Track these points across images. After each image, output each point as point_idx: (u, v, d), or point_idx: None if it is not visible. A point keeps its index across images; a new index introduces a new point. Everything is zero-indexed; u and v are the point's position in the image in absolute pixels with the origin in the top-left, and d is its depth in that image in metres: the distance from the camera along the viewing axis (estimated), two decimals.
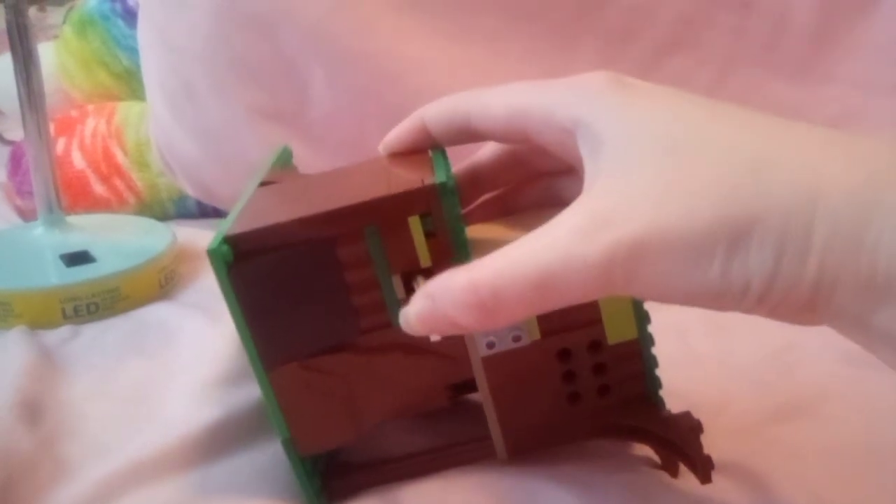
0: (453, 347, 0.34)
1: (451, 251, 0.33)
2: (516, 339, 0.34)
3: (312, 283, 0.33)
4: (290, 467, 0.35)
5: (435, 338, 0.34)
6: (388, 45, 0.63)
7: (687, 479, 0.36)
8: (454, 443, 0.38)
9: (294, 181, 0.40)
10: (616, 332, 0.35)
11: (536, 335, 0.35)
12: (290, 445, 0.34)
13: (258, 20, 0.63)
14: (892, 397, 0.41)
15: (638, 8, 0.66)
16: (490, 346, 0.34)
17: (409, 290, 0.33)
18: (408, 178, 0.33)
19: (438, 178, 0.32)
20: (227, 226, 0.32)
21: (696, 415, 0.35)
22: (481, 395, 0.36)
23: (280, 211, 0.33)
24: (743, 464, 0.36)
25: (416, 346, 0.34)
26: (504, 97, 0.32)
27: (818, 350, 0.46)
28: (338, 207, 0.32)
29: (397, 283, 0.33)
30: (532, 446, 0.37)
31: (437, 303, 0.27)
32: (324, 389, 0.34)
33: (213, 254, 0.31)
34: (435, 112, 0.35)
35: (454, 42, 0.64)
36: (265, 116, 0.66)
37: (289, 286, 0.32)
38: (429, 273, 0.33)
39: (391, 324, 0.33)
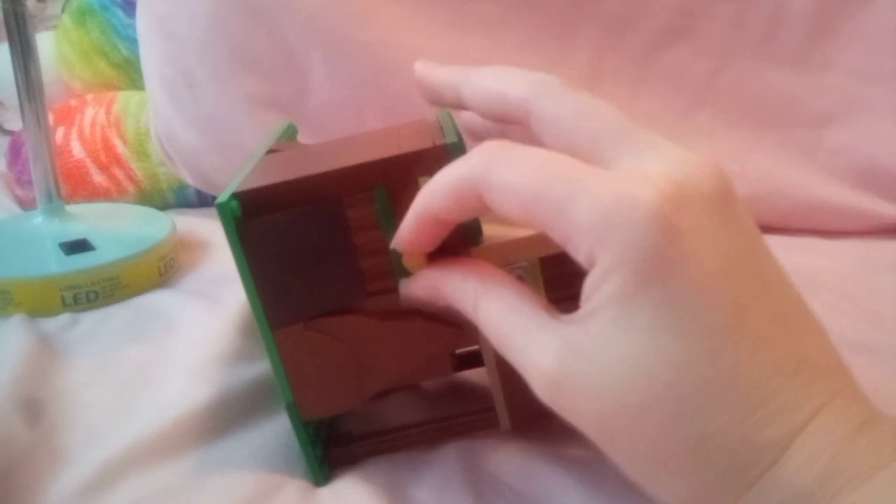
0: (459, 314, 0.34)
1: None
2: None
3: (320, 244, 0.33)
4: (289, 444, 0.35)
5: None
6: (387, 34, 0.63)
7: None
8: (457, 414, 0.38)
9: (303, 147, 0.40)
10: None
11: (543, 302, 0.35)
12: (294, 409, 0.35)
13: (258, 9, 0.63)
14: (892, 386, 0.41)
15: None
16: None
17: None
18: (418, 140, 0.33)
19: (449, 139, 0.32)
20: (237, 183, 0.33)
21: None
22: (486, 363, 0.35)
23: (290, 170, 0.33)
24: None
25: (423, 313, 0.34)
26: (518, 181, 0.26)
27: None
28: (347, 166, 0.32)
29: None
30: (535, 417, 0.37)
31: (433, 293, 0.31)
32: (329, 352, 0.34)
33: (221, 208, 0.31)
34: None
35: (453, 31, 0.64)
36: (264, 105, 0.66)
37: (297, 245, 0.33)
38: None
39: (398, 288, 0.34)
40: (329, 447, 0.37)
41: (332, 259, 0.33)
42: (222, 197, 0.31)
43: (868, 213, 0.64)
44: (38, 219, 0.61)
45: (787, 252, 0.59)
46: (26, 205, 0.76)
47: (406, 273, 0.32)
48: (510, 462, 0.36)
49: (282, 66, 0.65)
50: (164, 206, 0.75)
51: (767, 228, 0.63)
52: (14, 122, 0.98)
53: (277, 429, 0.40)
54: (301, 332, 0.33)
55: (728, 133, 0.66)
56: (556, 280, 0.34)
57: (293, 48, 0.64)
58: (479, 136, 0.35)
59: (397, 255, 0.33)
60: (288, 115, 0.66)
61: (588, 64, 0.66)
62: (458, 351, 0.36)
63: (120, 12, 0.82)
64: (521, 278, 0.34)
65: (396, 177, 0.32)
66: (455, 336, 0.35)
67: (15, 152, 0.77)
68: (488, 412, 0.37)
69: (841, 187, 0.65)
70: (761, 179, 0.64)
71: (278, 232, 0.32)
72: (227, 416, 0.41)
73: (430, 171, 0.32)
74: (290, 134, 0.45)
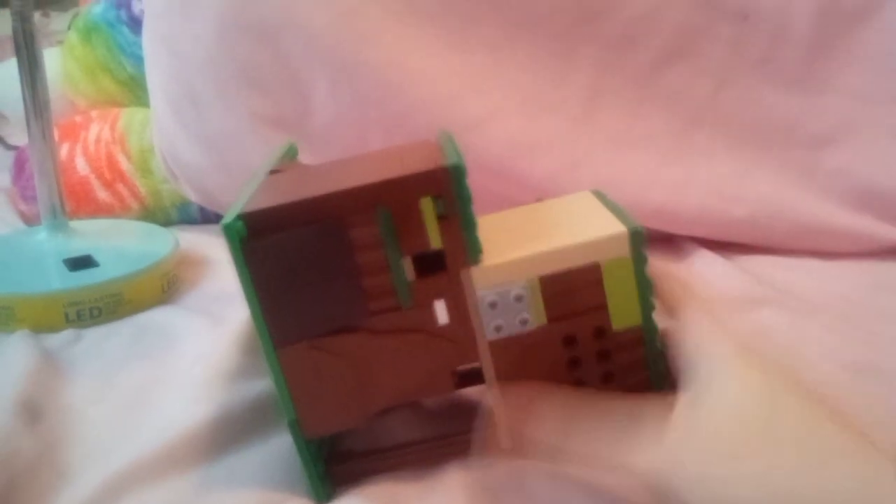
0: (461, 332, 0.35)
1: (463, 234, 0.33)
2: (523, 322, 0.35)
3: (324, 264, 0.33)
4: (290, 462, 0.35)
5: (443, 320, 0.34)
6: (390, 55, 0.63)
7: None
8: (457, 432, 0.38)
9: (306, 168, 0.40)
10: (621, 318, 0.35)
11: (543, 320, 0.35)
12: (296, 427, 0.35)
13: (262, 28, 0.64)
14: (891, 405, 0.41)
15: (637, 18, 0.66)
16: (498, 329, 0.35)
17: (420, 273, 0.34)
18: (420, 161, 0.34)
19: (450, 160, 0.33)
20: (242, 204, 0.33)
21: None
22: (486, 381, 0.36)
23: (294, 191, 0.34)
24: None
25: (424, 330, 0.35)
26: None
27: (818, 358, 0.46)
28: (350, 187, 0.32)
29: (408, 265, 0.33)
30: None
31: None
32: (332, 370, 0.34)
33: (227, 229, 0.31)
34: None
35: (455, 51, 0.65)
36: (268, 124, 0.66)
37: (300, 265, 0.33)
38: (439, 255, 0.33)
39: (400, 307, 0.34)
40: (331, 464, 0.37)
41: (336, 278, 0.33)
42: (227, 218, 0.32)
43: (866, 235, 0.64)
44: (42, 235, 0.62)
45: (786, 273, 0.60)
46: (30, 220, 0.76)
47: (407, 292, 0.32)
48: (512, 480, 0.36)
49: (286, 84, 0.65)
50: (167, 223, 0.75)
51: (766, 250, 0.64)
52: (18, 137, 0.98)
53: (279, 446, 0.40)
54: (304, 351, 0.34)
55: (727, 154, 0.66)
56: (556, 299, 0.35)
57: (297, 67, 0.64)
58: None
59: (399, 274, 0.33)
60: (291, 134, 0.66)
61: (588, 83, 0.67)
62: (459, 368, 0.36)
63: (125, 30, 0.82)
64: (520, 297, 0.35)
65: (399, 197, 0.33)
66: (457, 352, 0.35)
67: (19, 168, 0.77)
68: (490, 430, 0.37)
69: (840, 209, 0.65)
70: (760, 200, 0.64)
71: (282, 252, 0.33)
72: (229, 434, 0.41)
73: (432, 191, 0.33)
74: (291, 154, 0.45)
